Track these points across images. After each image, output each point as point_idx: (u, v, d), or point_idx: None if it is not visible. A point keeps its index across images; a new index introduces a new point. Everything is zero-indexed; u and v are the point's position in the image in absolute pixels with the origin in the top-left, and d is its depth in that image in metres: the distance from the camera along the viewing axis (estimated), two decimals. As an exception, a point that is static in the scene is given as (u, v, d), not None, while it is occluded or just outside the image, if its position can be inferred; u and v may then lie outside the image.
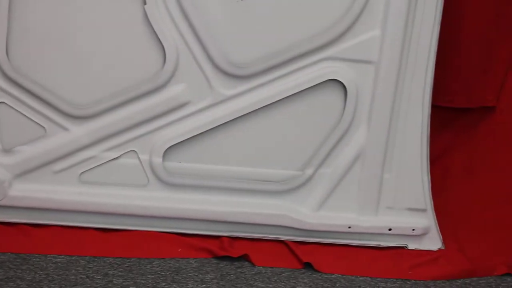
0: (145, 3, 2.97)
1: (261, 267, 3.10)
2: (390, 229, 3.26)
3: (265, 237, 3.24)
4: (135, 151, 3.12)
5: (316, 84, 3.15)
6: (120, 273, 2.93)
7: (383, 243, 3.29)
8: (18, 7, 2.93)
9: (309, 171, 3.20)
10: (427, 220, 3.28)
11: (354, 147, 3.23)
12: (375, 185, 3.25)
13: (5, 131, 3.05)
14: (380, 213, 3.26)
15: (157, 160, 3.12)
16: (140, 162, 3.12)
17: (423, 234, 3.29)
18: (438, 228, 3.30)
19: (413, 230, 3.27)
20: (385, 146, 3.21)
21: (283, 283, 3.00)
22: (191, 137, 3.16)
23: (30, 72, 3.00)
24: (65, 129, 3.05)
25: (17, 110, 3.03)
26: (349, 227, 3.24)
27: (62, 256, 3.00)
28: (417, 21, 3.07)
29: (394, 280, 3.11)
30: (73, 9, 2.98)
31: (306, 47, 3.10)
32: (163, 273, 2.96)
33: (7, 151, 3.06)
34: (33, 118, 3.03)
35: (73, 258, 3.00)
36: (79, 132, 3.07)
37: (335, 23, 3.06)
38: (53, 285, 2.83)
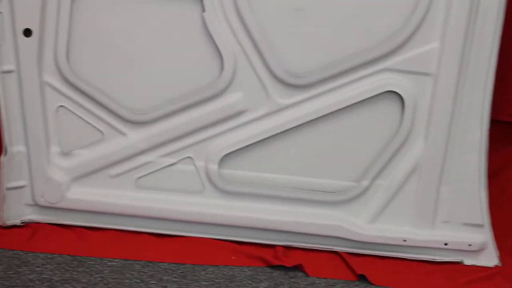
0: (204, 10, 2.96)
1: (314, 278, 3.08)
2: (446, 244, 3.22)
3: (319, 247, 3.22)
4: (192, 158, 3.12)
5: (374, 95, 3.11)
6: (174, 279, 2.94)
7: (438, 258, 3.24)
8: (79, 13, 2.97)
9: (365, 183, 3.18)
10: (483, 236, 3.23)
11: (411, 159, 3.19)
12: (431, 199, 3.21)
13: (64, 135, 3.08)
14: (436, 227, 3.22)
15: (213, 167, 3.12)
16: (196, 168, 3.13)
17: (480, 249, 3.23)
18: (495, 244, 3.23)
19: (470, 245, 3.21)
20: (443, 160, 3.17)
21: (336, 294, 2.98)
22: (247, 145, 3.12)
23: (89, 76, 3.03)
24: (123, 134, 3.07)
25: (76, 114, 3.06)
26: (404, 240, 3.20)
27: (117, 260, 3.02)
28: (477, 33, 3.03)
29: (449, 295, 3.06)
30: (133, 16, 3.00)
31: (364, 58, 3.08)
32: (217, 280, 2.96)
33: (66, 154, 3.09)
34: (91, 122, 3.06)
35: (128, 262, 3.01)
36: (136, 137, 3.09)
37: (394, 34, 3.04)
38: (107, 288, 2.84)
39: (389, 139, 3.15)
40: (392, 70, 3.07)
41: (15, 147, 3.03)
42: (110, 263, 2.97)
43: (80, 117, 3.04)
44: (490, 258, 3.23)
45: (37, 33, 2.91)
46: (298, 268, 3.10)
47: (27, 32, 2.90)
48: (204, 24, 2.97)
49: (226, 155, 3.13)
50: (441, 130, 3.13)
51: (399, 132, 3.13)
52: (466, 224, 3.21)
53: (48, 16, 2.91)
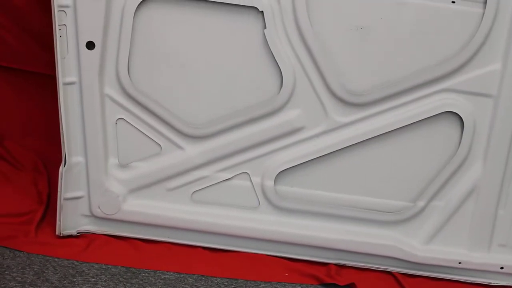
0: (265, 27, 2.95)
1: (367, 297, 3.03)
2: (502, 268, 3.17)
3: (372, 267, 3.19)
4: (248, 173, 3.12)
5: (433, 116, 3.06)
6: (227, 294, 2.93)
7: (494, 282, 3.20)
8: (140, 29, 2.97)
9: (421, 203, 3.15)
10: (541, 260, 3.17)
11: (468, 181, 3.15)
12: (488, 221, 3.17)
13: (122, 147, 3.09)
14: (493, 250, 3.17)
15: (269, 183, 3.11)
16: (252, 184, 3.12)
17: (536, 274, 3.17)
18: (552, 269, 3.18)
19: (526, 269, 3.16)
20: (501, 182, 3.13)
21: (389, 315, 2.95)
22: (303, 163, 3.11)
23: (149, 90, 3.04)
24: (181, 148, 3.08)
25: (134, 127, 3.07)
26: (460, 263, 3.16)
27: (171, 273, 3.02)
28: (539, 55, 2.96)
29: (504, 319, 3.01)
30: (194, 31, 3.00)
31: (424, 78, 3.05)
32: (269, 297, 2.94)
33: (123, 166, 3.11)
34: (150, 136, 3.07)
35: (182, 275, 3.01)
36: (193, 151, 3.09)
37: (456, 54, 2.99)
38: (161, 301, 2.85)
39: (447, 160, 3.11)
40: (452, 90, 3.03)
41: (74, 158, 3.04)
42: (163, 276, 2.98)
43: (138, 130, 3.05)
44: (546, 283, 3.16)
45: (100, 46, 2.93)
46: (350, 287, 3.05)
47: (90, 45, 2.92)
48: (265, 40, 2.94)
49: (282, 172, 3.09)
50: (500, 152, 3.08)
51: (457, 153, 3.09)
52: (523, 248, 3.14)
53: (111, 30, 2.93)
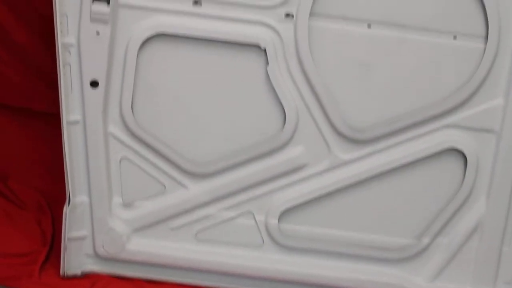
0: (267, 64, 2.96)
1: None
2: (507, 305, 3.12)
3: (378, 305, 3.14)
4: (251, 212, 3.09)
5: (436, 152, 3.05)
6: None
7: (499, 319, 3.15)
8: (144, 67, 2.97)
9: (425, 240, 3.12)
10: (546, 298, 3.13)
11: (472, 218, 3.13)
12: (493, 258, 3.14)
13: (126, 186, 3.08)
14: (498, 288, 3.13)
15: (273, 221, 3.09)
16: (256, 222, 3.10)
17: (541, 312, 3.13)
18: (557, 306, 3.14)
19: (531, 307, 3.12)
20: (505, 219, 3.11)
21: None
22: (307, 200, 3.08)
23: (153, 128, 3.03)
24: (184, 186, 3.06)
25: (138, 165, 3.05)
26: (465, 300, 3.12)
27: (175, 314, 2.96)
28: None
29: None
30: (197, 69, 3.00)
31: (426, 114, 3.05)
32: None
33: (127, 205, 3.08)
34: (153, 174, 3.05)
35: (186, 315, 2.96)
36: (197, 190, 3.08)
37: (458, 90, 2.99)
38: None
39: (451, 196, 3.09)
40: (455, 126, 3.03)
41: (78, 197, 3.02)
42: (168, 317, 2.92)
43: (142, 168, 3.03)
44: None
45: (103, 85, 2.93)
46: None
47: (94, 84, 2.92)
48: (268, 77, 2.94)
49: (286, 210, 3.06)
50: (503, 188, 3.07)
51: (461, 190, 3.08)
52: (528, 286, 3.10)
53: (114, 69, 2.93)
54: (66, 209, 3.01)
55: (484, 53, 2.96)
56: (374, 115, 3.03)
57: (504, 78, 2.99)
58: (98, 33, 2.87)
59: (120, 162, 3.03)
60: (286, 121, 3.01)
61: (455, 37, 2.95)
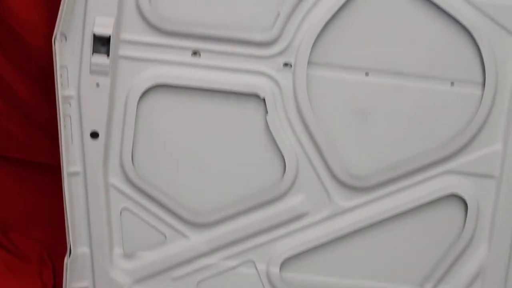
0: (267, 113, 2.97)
1: None
2: None
3: None
4: (253, 261, 3.08)
5: (436, 198, 3.04)
6: None
7: None
8: (144, 117, 2.99)
9: (427, 287, 3.09)
10: None
11: (474, 264, 3.11)
12: (496, 305, 3.10)
13: (127, 236, 3.07)
14: (501, 334, 3.10)
15: (274, 270, 3.07)
16: (257, 272, 3.08)
17: None
18: None
19: None
20: (507, 265, 3.10)
21: None
22: (308, 248, 3.07)
23: (153, 178, 3.03)
24: (185, 236, 3.05)
25: (139, 216, 3.04)
26: None
27: None
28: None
29: None
30: (196, 119, 3.02)
31: (425, 160, 3.05)
32: None
33: (128, 256, 3.07)
34: (154, 225, 3.04)
35: None
36: (198, 239, 3.07)
37: (457, 136, 3.00)
38: None
39: (452, 242, 3.07)
40: (454, 172, 3.03)
41: (79, 248, 3.01)
42: None
43: (143, 219, 3.03)
44: None
45: (104, 136, 2.93)
46: None
47: (94, 135, 2.92)
48: (267, 126, 2.95)
49: (287, 258, 3.04)
50: (505, 234, 3.06)
51: (462, 236, 3.07)
52: (531, 333, 3.08)
53: (115, 120, 2.94)
54: (67, 261, 2.99)
55: (481, 99, 2.96)
56: (374, 162, 3.02)
57: (503, 123, 2.99)
58: (98, 84, 2.88)
59: (120, 212, 3.02)
60: (286, 170, 3.00)
61: (452, 84, 2.96)
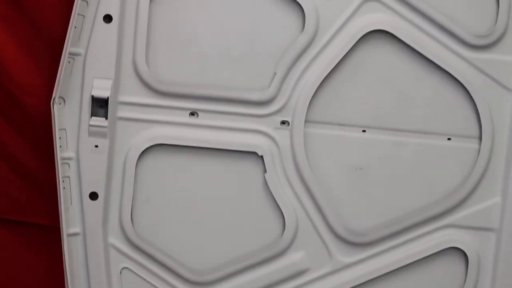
0: (265, 171, 2.97)
1: None
2: None
3: None
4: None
5: (437, 252, 3.04)
6: None
7: None
8: (142, 177, 3.00)
9: None
10: None
11: (476, 317, 3.07)
12: None
13: (127, 297, 3.04)
14: None
15: (277, 327, 3.05)
16: (261, 329, 3.07)
17: None
18: None
19: None
20: (509, 316, 3.06)
21: None
22: (309, 305, 3.06)
23: (153, 238, 3.03)
24: None
25: (139, 275, 3.04)
26: None
27: None
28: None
29: None
30: (195, 177, 3.03)
31: (425, 215, 3.05)
32: None
33: (129, 316, 3.05)
34: (154, 284, 3.04)
35: None
36: (198, 299, 3.05)
37: (455, 190, 3.00)
38: None
39: (454, 295, 3.04)
40: (454, 226, 3.03)
41: (80, 308, 2.99)
42: None
43: (144, 279, 3.02)
44: None
45: (103, 197, 2.93)
46: None
47: (93, 196, 2.93)
48: (266, 183, 2.95)
49: (289, 315, 3.03)
50: (506, 286, 3.02)
51: (464, 289, 3.03)
52: None
53: (114, 180, 2.95)
54: (67, 320, 2.97)
55: (479, 153, 2.96)
56: (373, 218, 3.02)
57: (500, 176, 2.99)
58: (96, 146, 2.88)
59: (121, 272, 3.02)
60: (286, 227, 3.00)
61: (449, 138, 2.97)
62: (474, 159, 2.99)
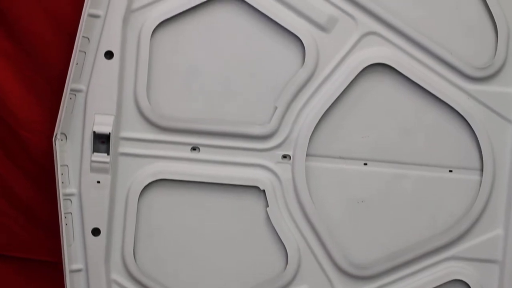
0: (267, 205, 2.97)
1: None
2: None
3: None
4: None
5: (440, 284, 3.03)
6: None
7: None
8: (144, 211, 3.00)
9: None
10: None
11: None
12: None
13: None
14: None
15: None
16: None
17: None
18: None
19: None
20: None
21: None
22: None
23: (155, 272, 3.03)
24: None
25: (144, 312, 3.02)
26: None
27: None
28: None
29: None
30: (196, 211, 3.02)
31: (427, 247, 3.04)
32: None
33: None
34: None
35: None
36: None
37: (457, 223, 3.00)
38: None
39: (459, 327, 3.02)
40: (457, 258, 3.02)
41: None
42: None
43: (149, 315, 3.00)
44: None
45: (105, 232, 2.93)
46: None
47: (96, 232, 2.92)
48: (268, 217, 2.95)
49: None
50: (510, 317, 3.01)
51: (468, 321, 3.01)
52: None
53: (116, 216, 2.94)
54: None
55: (480, 185, 2.96)
56: (376, 251, 3.02)
57: (502, 208, 2.99)
58: (98, 182, 2.88)
59: (123, 308, 2.99)
60: (288, 261, 2.99)
61: (451, 171, 2.97)
62: (476, 191, 2.99)
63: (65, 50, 2.94)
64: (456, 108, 2.92)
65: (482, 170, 2.96)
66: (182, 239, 3.00)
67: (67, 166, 2.87)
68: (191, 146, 2.93)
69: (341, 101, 2.93)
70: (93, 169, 2.86)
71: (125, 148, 2.91)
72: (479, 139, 2.94)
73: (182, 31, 2.89)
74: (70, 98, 2.83)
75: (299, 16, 2.87)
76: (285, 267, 3.00)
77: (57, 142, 2.83)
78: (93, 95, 2.86)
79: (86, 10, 2.76)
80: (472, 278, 3.01)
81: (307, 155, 2.93)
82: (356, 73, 2.89)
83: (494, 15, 2.90)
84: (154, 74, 2.90)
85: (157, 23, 2.87)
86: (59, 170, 2.84)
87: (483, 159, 2.96)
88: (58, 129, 2.83)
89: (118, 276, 2.98)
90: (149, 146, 2.92)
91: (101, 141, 2.88)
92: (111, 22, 2.82)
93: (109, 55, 2.84)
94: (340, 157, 2.94)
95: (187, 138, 2.92)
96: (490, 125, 2.96)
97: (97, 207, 2.89)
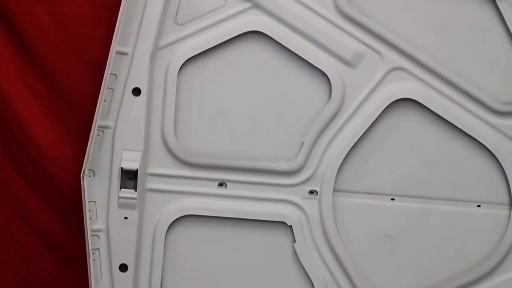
0: (294, 241, 2.96)
1: None
2: None
3: None
4: None
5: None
6: None
7: None
8: (172, 246, 3.01)
9: None
10: None
11: None
12: None
13: None
14: None
15: None
16: None
17: None
18: None
19: None
20: None
21: None
22: None
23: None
24: None
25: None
26: None
27: None
28: None
29: None
30: (224, 246, 3.02)
31: (455, 283, 3.04)
32: None
33: None
34: None
35: None
36: None
37: (484, 259, 2.99)
38: None
39: None
40: (483, 297, 2.97)
41: None
42: None
43: None
44: None
45: (133, 268, 2.93)
46: None
47: (123, 268, 2.92)
48: (295, 252, 2.94)
49: None
50: None
51: None
52: None
53: (143, 251, 2.94)
54: None
55: (509, 219, 2.93)
56: (404, 287, 2.97)
57: (528, 247, 2.95)
58: (126, 218, 2.89)
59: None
60: (316, 296, 2.96)
61: (479, 205, 2.95)
62: (505, 226, 2.97)
63: (93, 87, 2.95)
64: (484, 143, 2.90)
65: (510, 204, 2.93)
66: (209, 275, 2.99)
67: (95, 202, 2.88)
68: (218, 182, 2.92)
69: (367, 136, 2.92)
70: (120, 205, 2.86)
71: (153, 184, 2.91)
72: (507, 173, 2.92)
73: (208, 68, 2.89)
74: (98, 135, 2.84)
75: (325, 52, 2.86)
76: (313, 303, 2.95)
77: (85, 178, 2.83)
78: (120, 131, 2.86)
79: (114, 47, 2.76)
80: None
81: (334, 190, 2.92)
82: (383, 108, 2.88)
83: None
84: (181, 110, 2.91)
85: (184, 60, 2.86)
86: (87, 206, 2.85)
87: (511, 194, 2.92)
88: (86, 165, 2.83)
89: (146, 311, 2.96)
90: (176, 182, 2.92)
91: (129, 177, 2.87)
92: (139, 60, 2.82)
93: (136, 91, 2.85)
94: (367, 193, 2.93)
95: (214, 174, 2.92)
96: (518, 159, 2.93)
97: (124, 243, 2.89)
